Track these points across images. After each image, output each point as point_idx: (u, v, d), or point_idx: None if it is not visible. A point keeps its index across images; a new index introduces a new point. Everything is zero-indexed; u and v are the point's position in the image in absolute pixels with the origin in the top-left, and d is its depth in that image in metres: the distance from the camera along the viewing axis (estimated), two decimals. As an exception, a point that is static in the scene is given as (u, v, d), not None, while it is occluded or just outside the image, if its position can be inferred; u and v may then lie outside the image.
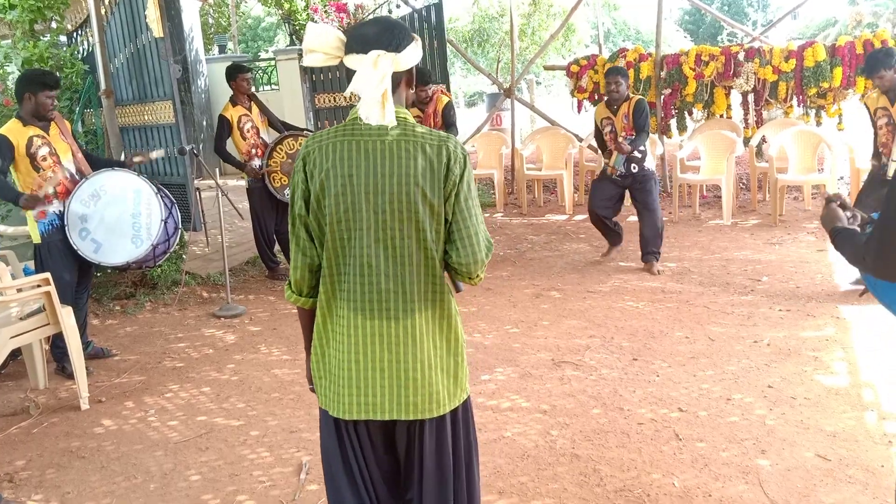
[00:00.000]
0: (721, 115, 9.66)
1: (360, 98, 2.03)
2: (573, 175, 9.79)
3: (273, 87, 11.93)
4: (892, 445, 3.57)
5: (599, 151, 7.24)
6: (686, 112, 9.83)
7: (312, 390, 2.30)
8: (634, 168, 6.60)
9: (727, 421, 3.88)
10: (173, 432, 4.12)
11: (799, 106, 9.55)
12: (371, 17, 10.02)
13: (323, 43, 2.09)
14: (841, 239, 2.14)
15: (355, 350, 2.09)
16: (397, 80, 2.10)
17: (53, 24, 6.90)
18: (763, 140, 9.22)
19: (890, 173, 5.52)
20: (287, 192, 6.51)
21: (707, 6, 16.01)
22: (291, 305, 6.19)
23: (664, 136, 9.79)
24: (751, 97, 9.42)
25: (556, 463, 3.54)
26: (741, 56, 9.20)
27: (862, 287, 2.44)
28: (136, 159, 5.29)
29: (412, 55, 2.09)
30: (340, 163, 2.03)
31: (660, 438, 3.73)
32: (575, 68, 10.26)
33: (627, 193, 6.88)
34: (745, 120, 9.62)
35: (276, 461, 3.71)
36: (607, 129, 6.79)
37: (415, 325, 2.09)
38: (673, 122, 9.84)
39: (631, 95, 6.69)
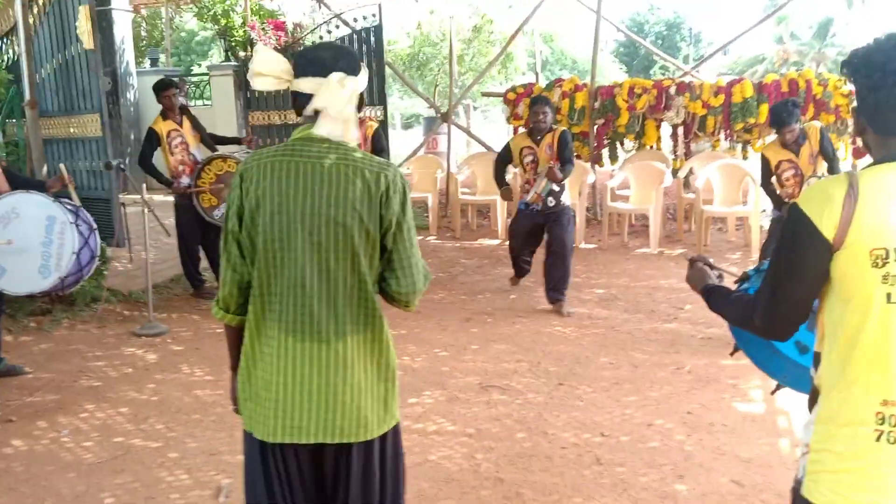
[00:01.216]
0: (651, 147, 9.93)
1: (310, 117, 2.07)
2: (507, 204, 9.88)
3: (206, 102, 11.78)
4: (802, 453, 3.67)
5: (504, 185, 6.78)
6: (618, 142, 10.08)
7: (237, 411, 2.26)
8: (552, 202, 6.30)
9: (647, 446, 3.94)
10: (88, 453, 3.98)
11: (726, 140, 9.90)
12: (308, 35, 10.03)
13: (273, 68, 2.11)
14: (717, 298, 2.02)
15: (284, 372, 2.06)
16: None
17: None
18: (691, 172, 9.47)
19: None
20: (216, 213, 6.40)
21: (641, 39, 16.46)
22: (216, 325, 6.04)
23: (596, 166, 9.99)
24: (680, 130, 9.74)
25: (479, 486, 3.54)
26: (672, 90, 9.50)
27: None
28: (53, 190, 5.06)
29: (364, 80, 2.13)
30: (278, 182, 2.03)
31: (582, 463, 3.77)
32: (512, 96, 10.41)
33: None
34: (675, 152, 9.92)
35: (195, 484, 3.62)
36: (528, 158, 6.48)
37: (346, 348, 2.07)
38: (605, 152, 10.06)
39: (555, 126, 6.50)
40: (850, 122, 8.99)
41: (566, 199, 6.42)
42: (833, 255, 1.63)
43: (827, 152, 5.67)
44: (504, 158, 6.73)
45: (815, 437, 1.72)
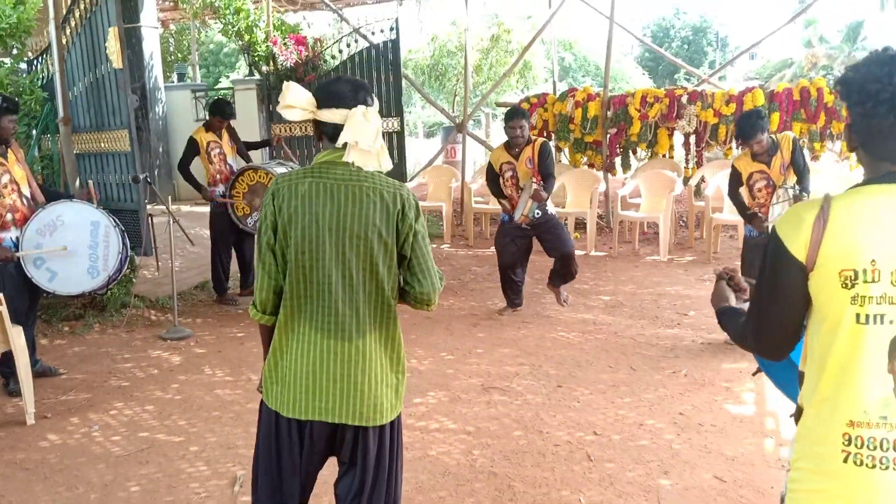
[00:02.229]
0: (664, 155, 10.12)
1: (345, 145, 2.38)
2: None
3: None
4: (784, 469, 3.90)
5: (501, 199, 6.55)
6: (630, 151, 10.27)
7: (260, 391, 2.60)
8: (537, 213, 6.15)
9: (637, 444, 4.18)
10: (115, 447, 4.30)
11: (738, 148, 10.04)
12: (328, 49, 10.36)
13: (301, 100, 2.44)
14: (725, 318, 2.07)
15: (312, 362, 2.41)
16: None
17: (14, 51, 7.08)
18: (702, 180, 9.67)
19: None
20: (249, 220, 6.77)
21: (659, 48, 16.63)
22: (237, 329, 6.43)
23: (608, 174, 10.21)
24: (692, 138, 9.90)
25: (474, 479, 3.80)
26: (684, 99, 9.69)
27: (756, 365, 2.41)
28: (88, 192, 5.41)
29: (376, 110, 2.48)
30: (309, 201, 2.37)
31: (573, 459, 4.02)
32: (525, 106, 10.65)
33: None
34: (687, 160, 10.10)
35: (213, 474, 3.92)
36: (508, 173, 6.27)
37: (366, 344, 2.42)
38: (618, 161, 10.27)
39: (533, 138, 6.27)
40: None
41: (551, 207, 6.31)
42: (808, 276, 1.67)
43: (798, 164, 5.56)
44: (493, 176, 6.46)
45: (794, 455, 1.76)
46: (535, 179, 6.07)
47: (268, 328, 2.54)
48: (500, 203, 6.58)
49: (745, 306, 2.05)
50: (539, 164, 6.12)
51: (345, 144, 2.38)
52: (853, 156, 9.31)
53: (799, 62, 44.49)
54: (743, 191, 5.75)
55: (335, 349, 2.40)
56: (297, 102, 2.43)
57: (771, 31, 12.43)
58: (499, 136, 17.31)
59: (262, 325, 2.56)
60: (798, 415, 1.79)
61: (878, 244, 1.60)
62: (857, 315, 1.62)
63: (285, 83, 2.51)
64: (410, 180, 10.89)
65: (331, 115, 2.41)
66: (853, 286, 1.62)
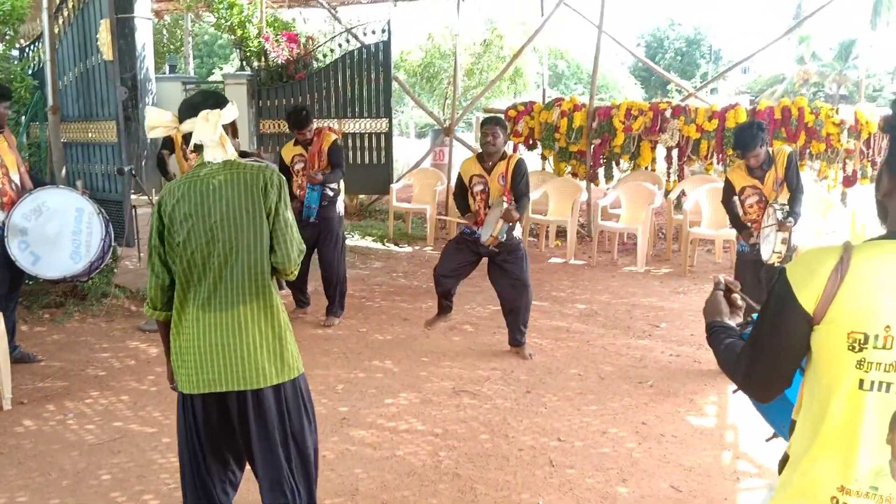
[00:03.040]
0: (646, 168, 10.27)
1: (202, 148, 2.72)
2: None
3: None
4: (739, 481, 4.03)
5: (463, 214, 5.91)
6: (614, 162, 10.41)
7: (174, 388, 2.86)
8: (503, 237, 5.54)
9: (599, 451, 4.31)
10: (89, 435, 4.40)
11: (719, 163, 10.21)
12: (320, 49, 10.45)
13: (161, 120, 2.77)
14: (716, 339, 1.94)
15: (197, 337, 2.66)
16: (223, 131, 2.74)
17: (6, 38, 7.14)
18: (682, 194, 9.81)
19: (764, 257, 5.27)
20: None
21: (650, 61, 16.81)
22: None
23: (591, 184, 10.35)
24: (675, 152, 10.04)
25: (438, 480, 3.91)
26: (668, 113, 9.84)
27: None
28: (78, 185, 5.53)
29: (230, 113, 2.76)
30: (183, 199, 2.67)
31: (535, 464, 4.13)
32: (513, 113, 10.79)
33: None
34: (668, 173, 10.25)
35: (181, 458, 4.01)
36: (478, 187, 5.72)
37: (241, 313, 2.66)
38: (601, 171, 10.42)
39: (509, 154, 5.78)
40: (841, 150, 9.36)
41: (518, 232, 5.81)
42: (813, 328, 1.58)
43: (791, 181, 5.37)
44: (461, 189, 5.87)
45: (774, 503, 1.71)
46: (506, 198, 5.56)
47: (164, 324, 2.81)
48: (462, 214, 5.87)
49: (739, 320, 2.02)
50: (512, 182, 5.61)
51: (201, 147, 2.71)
52: (831, 175, 9.56)
53: (791, 78, 44.87)
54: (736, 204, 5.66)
55: (214, 321, 2.65)
56: (157, 123, 2.76)
57: (763, 45, 12.63)
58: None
59: (159, 322, 2.82)
60: (784, 462, 1.73)
61: (895, 309, 1.50)
62: (861, 381, 1.54)
63: (146, 109, 2.82)
64: (396, 181, 10.98)
65: (187, 126, 2.74)
66: (861, 350, 1.52)
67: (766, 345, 1.67)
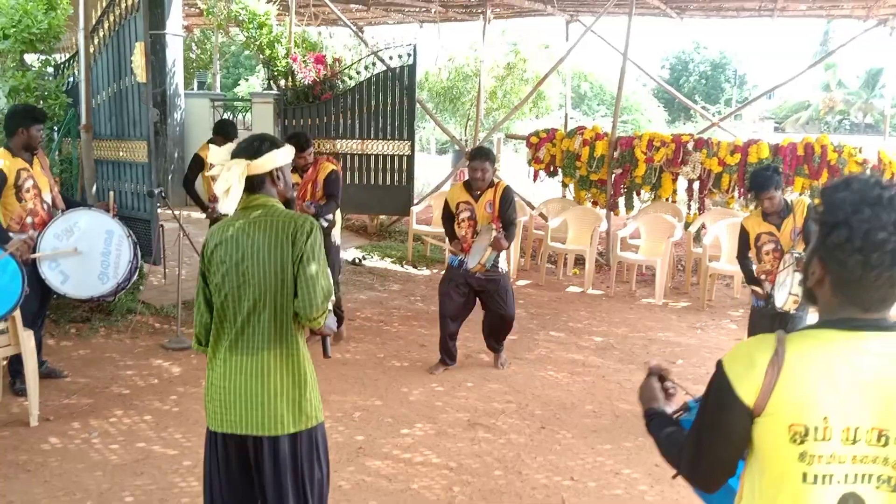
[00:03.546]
0: (666, 199, 10.31)
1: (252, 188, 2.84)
2: (520, 240, 10.32)
3: (247, 128, 12.41)
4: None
5: (449, 241, 6.09)
6: (634, 192, 10.46)
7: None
8: (490, 264, 5.69)
9: (611, 493, 4.36)
10: (113, 455, 4.50)
11: (740, 197, 10.25)
12: (346, 70, 10.60)
13: (220, 158, 2.85)
14: (656, 426, 1.94)
15: (224, 378, 2.78)
16: (261, 179, 2.83)
17: (42, 56, 7.31)
18: (703, 227, 9.85)
19: (779, 304, 5.06)
20: None
21: (671, 87, 16.87)
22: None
23: (611, 213, 10.41)
24: (696, 185, 10.08)
25: (452, 517, 3.99)
26: (690, 145, 9.88)
27: None
28: (107, 205, 5.66)
29: (270, 159, 2.82)
30: (223, 242, 2.79)
31: (548, 503, 4.19)
32: (535, 139, 10.87)
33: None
34: (689, 205, 10.29)
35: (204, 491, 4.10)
36: (465, 214, 5.81)
37: (265, 359, 2.77)
38: (621, 200, 10.47)
39: (496, 181, 5.89)
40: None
41: (503, 262, 5.91)
42: (754, 420, 1.59)
43: (808, 232, 5.12)
44: (448, 215, 6.02)
45: None
46: (494, 226, 5.67)
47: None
48: (450, 245, 6.01)
49: (674, 406, 2.03)
50: (500, 209, 5.72)
51: (251, 189, 2.83)
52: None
53: (816, 105, 44.70)
54: (751, 253, 5.49)
55: (239, 364, 2.75)
56: (216, 160, 2.84)
57: (791, 75, 12.69)
58: (508, 163, 17.52)
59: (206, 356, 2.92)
60: None
61: (832, 400, 1.53)
62: (805, 474, 1.55)
63: (213, 148, 2.94)
64: (417, 203, 11.08)
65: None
66: (803, 442, 1.54)
67: (708, 438, 1.67)
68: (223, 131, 7.09)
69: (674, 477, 1.94)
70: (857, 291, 1.57)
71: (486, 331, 6.22)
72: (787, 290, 5.07)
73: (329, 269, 2.89)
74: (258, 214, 2.80)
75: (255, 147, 2.83)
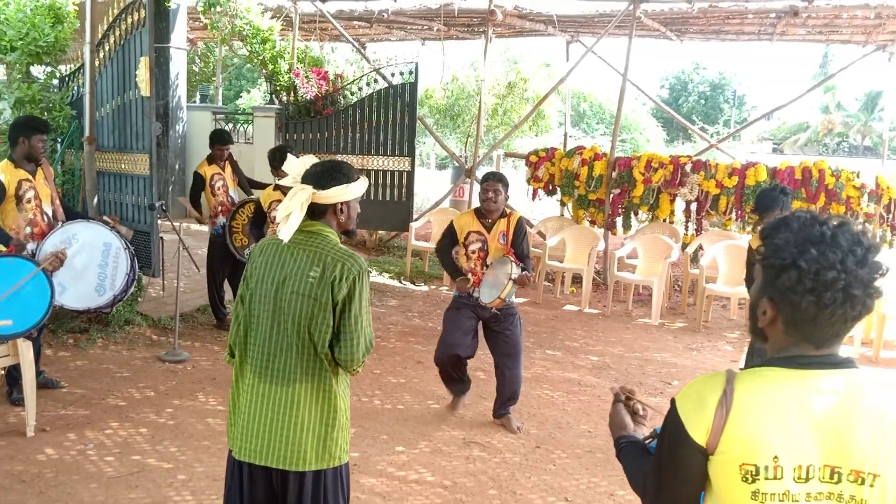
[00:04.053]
0: (664, 220, 10.36)
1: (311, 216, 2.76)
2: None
3: (248, 141, 12.47)
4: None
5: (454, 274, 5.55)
6: (632, 212, 10.52)
7: None
8: (510, 299, 5.35)
9: (605, 514, 4.38)
10: (108, 467, 4.51)
11: (737, 220, 10.30)
12: (348, 87, 10.67)
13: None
14: (625, 456, 1.93)
15: (250, 404, 2.74)
16: (323, 208, 2.77)
17: (48, 69, 7.36)
18: (700, 248, 9.89)
19: None
20: (246, 251, 7.00)
21: (670, 108, 16.98)
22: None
23: (609, 232, 10.46)
24: (693, 206, 10.14)
25: (445, 535, 4.00)
26: (688, 167, 9.94)
27: None
28: (108, 219, 5.69)
29: (337, 193, 2.75)
30: (266, 259, 2.75)
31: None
32: (534, 158, 10.94)
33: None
34: (686, 227, 10.34)
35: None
36: (475, 245, 5.38)
37: (295, 392, 2.71)
38: (619, 220, 10.52)
39: (509, 211, 5.52)
40: (861, 213, 9.42)
41: (512, 295, 5.37)
42: (708, 458, 1.60)
43: None
44: (450, 242, 5.54)
45: None
46: (512, 258, 5.29)
47: None
48: (455, 282, 5.49)
49: (645, 430, 2.02)
50: (515, 242, 5.38)
51: (313, 215, 2.75)
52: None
53: (815, 127, 44.84)
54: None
55: (268, 393, 2.70)
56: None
57: (791, 97, 12.78)
58: (509, 177, 17.60)
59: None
60: None
61: (781, 439, 1.54)
62: None
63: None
64: (416, 219, 11.12)
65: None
66: (754, 481, 1.54)
67: (666, 474, 1.68)
68: (218, 139, 7.23)
69: None
70: (812, 330, 1.59)
71: (501, 380, 5.54)
72: None
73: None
74: (310, 242, 2.73)
75: (326, 178, 2.73)
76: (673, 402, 1.66)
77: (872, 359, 7.92)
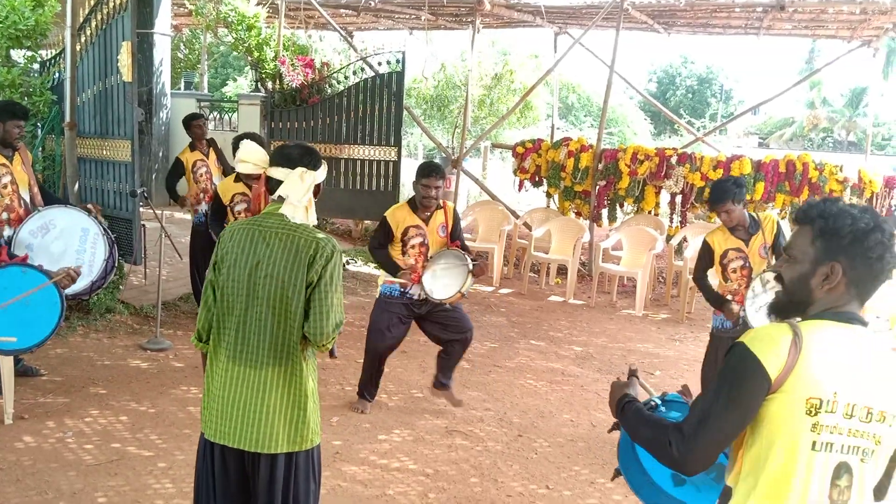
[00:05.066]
0: (649, 212, 10.40)
1: (283, 199, 2.78)
2: (504, 249, 10.36)
3: (233, 129, 12.37)
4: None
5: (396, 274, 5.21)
6: (618, 204, 10.54)
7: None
8: (467, 292, 5.21)
9: (586, 502, 4.38)
10: (87, 455, 4.47)
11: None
12: (335, 75, 10.61)
13: (253, 156, 2.86)
14: (635, 412, 2.03)
15: (224, 387, 2.74)
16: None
17: (28, 53, 7.27)
18: (684, 240, 9.92)
19: (751, 325, 4.61)
20: None
21: (657, 101, 16.99)
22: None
23: (594, 224, 10.47)
24: (678, 198, 10.17)
25: (426, 523, 3.99)
26: (674, 160, 9.96)
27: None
28: (91, 207, 5.61)
29: (322, 173, 2.86)
30: (239, 244, 2.75)
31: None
32: (520, 150, 10.93)
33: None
34: (671, 218, 10.37)
35: (178, 493, 4.09)
36: (416, 240, 5.13)
37: (266, 375, 2.72)
38: (605, 212, 10.54)
39: (441, 201, 5.23)
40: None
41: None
42: (767, 396, 1.77)
43: (780, 249, 4.87)
44: (386, 239, 5.24)
45: None
46: (459, 250, 5.21)
47: (205, 355, 2.89)
48: (392, 274, 5.19)
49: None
50: (455, 232, 5.26)
51: (283, 198, 2.77)
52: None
53: (800, 122, 45.04)
54: (714, 272, 5.09)
55: (241, 376, 2.71)
56: (249, 158, 2.85)
57: (777, 92, 12.82)
58: (495, 172, 17.57)
59: (202, 353, 2.92)
60: None
61: (840, 378, 1.77)
62: (814, 443, 1.76)
63: (243, 141, 2.91)
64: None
65: (276, 173, 2.81)
66: (816, 414, 1.75)
67: (722, 413, 1.78)
68: (193, 118, 7.36)
69: (612, 479, 2.38)
70: (870, 288, 1.87)
71: (447, 363, 5.44)
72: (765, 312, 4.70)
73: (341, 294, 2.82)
74: (281, 224, 2.76)
75: (312, 158, 2.84)
76: (741, 344, 1.81)
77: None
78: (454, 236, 5.27)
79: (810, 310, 1.90)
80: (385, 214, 5.23)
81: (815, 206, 1.90)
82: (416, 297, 5.20)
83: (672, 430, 1.84)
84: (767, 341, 1.78)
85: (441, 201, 5.22)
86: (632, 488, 2.33)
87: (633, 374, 2.23)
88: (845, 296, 1.86)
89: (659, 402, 2.22)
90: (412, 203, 5.18)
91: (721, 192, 4.80)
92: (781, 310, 1.94)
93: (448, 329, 5.33)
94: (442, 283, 5.13)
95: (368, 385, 5.48)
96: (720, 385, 1.81)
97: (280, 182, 2.80)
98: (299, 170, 2.79)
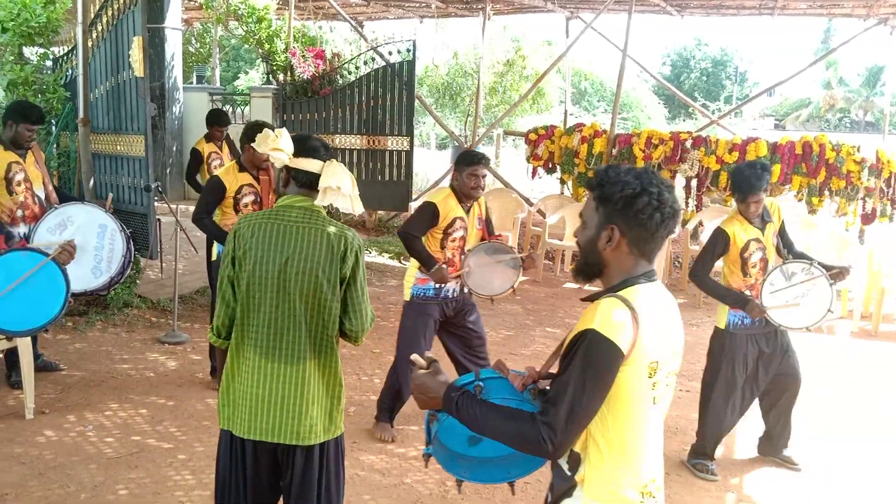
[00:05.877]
0: (664, 196, 10.33)
1: (318, 192, 2.74)
2: (518, 237, 10.34)
3: (245, 122, 12.41)
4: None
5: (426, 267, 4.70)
6: (632, 189, 10.47)
7: None
8: (466, 287, 4.85)
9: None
10: (108, 448, 4.51)
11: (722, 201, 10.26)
12: (346, 66, 10.61)
13: (288, 148, 2.80)
14: (479, 406, 1.96)
15: (256, 384, 2.71)
16: (318, 182, 2.77)
17: (41, 50, 7.31)
18: (700, 224, 9.86)
19: (806, 322, 4.50)
20: None
21: (671, 85, 16.87)
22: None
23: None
24: (694, 182, 10.10)
25: (444, 511, 4.00)
26: (688, 143, 9.89)
27: None
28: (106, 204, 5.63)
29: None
30: (265, 240, 2.70)
31: (539, 497, 4.19)
32: (533, 136, 10.89)
33: None
34: (687, 203, 10.30)
35: (198, 484, 4.13)
36: (458, 233, 4.73)
37: (304, 369, 2.72)
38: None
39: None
40: (861, 188, 9.38)
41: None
42: (619, 369, 1.89)
43: (787, 233, 4.74)
44: (428, 225, 4.70)
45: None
46: (503, 242, 5.01)
47: (223, 352, 2.85)
48: (430, 272, 4.65)
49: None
50: (488, 223, 4.99)
51: (309, 190, 2.77)
52: (850, 211, 9.58)
53: (816, 103, 44.66)
54: (732, 265, 4.59)
55: (277, 372, 2.69)
56: (287, 148, 2.79)
57: (792, 73, 12.66)
58: (508, 159, 17.52)
59: (219, 350, 2.88)
60: (569, 489, 2.00)
61: (661, 339, 1.96)
62: (654, 398, 1.96)
63: (277, 129, 2.84)
64: (416, 199, 11.08)
65: (308, 164, 2.77)
66: (654, 374, 1.93)
67: (589, 400, 1.88)
68: (215, 120, 7.26)
69: (426, 465, 2.35)
70: (652, 246, 2.00)
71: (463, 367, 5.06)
72: (825, 306, 4.52)
73: None
74: (306, 218, 2.74)
75: (329, 150, 2.84)
76: (593, 332, 1.87)
77: (872, 332, 7.91)
78: (490, 227, 4.99)
79: (607, 271, 2.03)
80: (433, 201, 4.69)
81: (598, 174, 2.03)
82: (451, 296, 4.81)
83: (542, 426, 1.86)
84: (615, 324, 1.87)
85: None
86: (443, 466, 2.35)
87: (533, 381, 2.12)
88: (630, 256, 1.99)
89: (483, 384, 2.04)
90: (457, 195, 4.73)
91: (755, 180, 4.34)
92: (580, 272, 2.09)
93: (469, 353, 5.01)
94: (487, 277, 4.84)
95: (391, 407, 4.94)
96: (583, 374, 1.87)
97: (310, 174, 2.76)
98: (333, 161, 2.79)
